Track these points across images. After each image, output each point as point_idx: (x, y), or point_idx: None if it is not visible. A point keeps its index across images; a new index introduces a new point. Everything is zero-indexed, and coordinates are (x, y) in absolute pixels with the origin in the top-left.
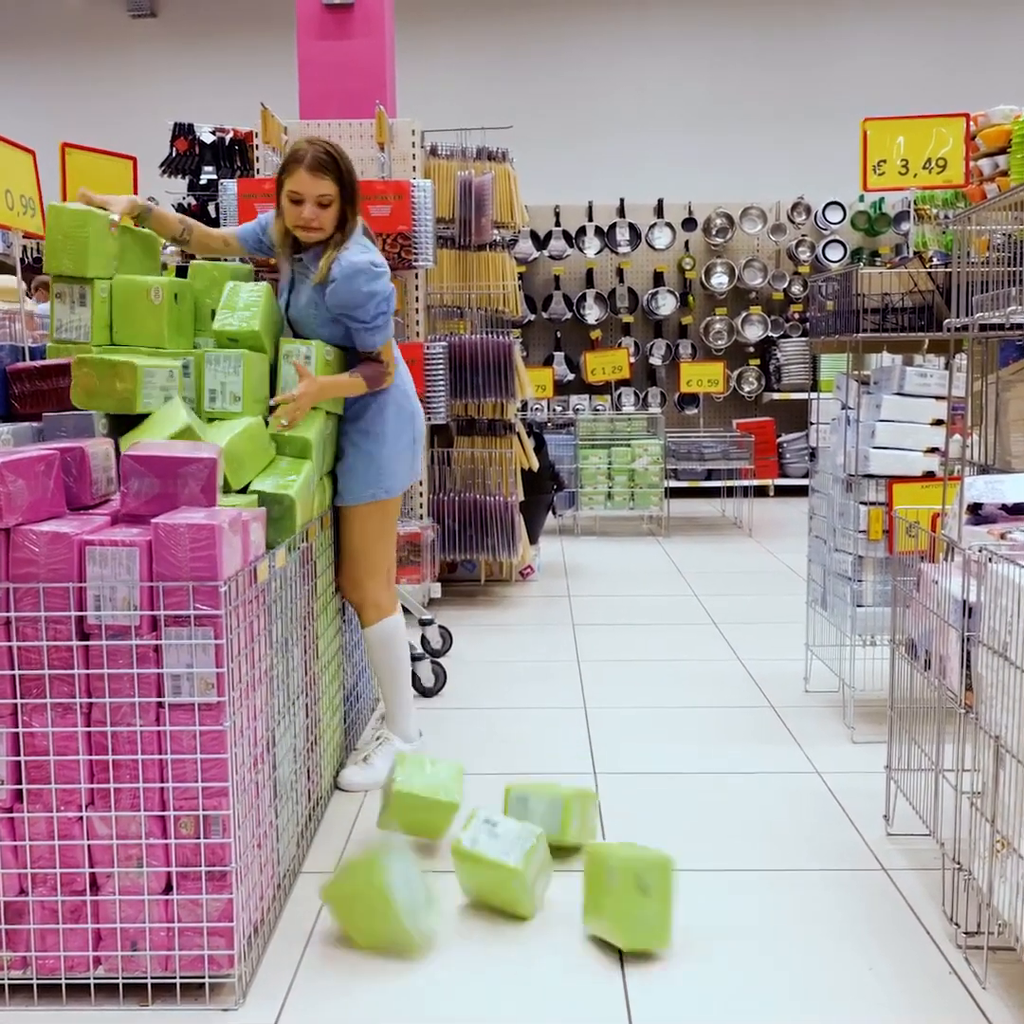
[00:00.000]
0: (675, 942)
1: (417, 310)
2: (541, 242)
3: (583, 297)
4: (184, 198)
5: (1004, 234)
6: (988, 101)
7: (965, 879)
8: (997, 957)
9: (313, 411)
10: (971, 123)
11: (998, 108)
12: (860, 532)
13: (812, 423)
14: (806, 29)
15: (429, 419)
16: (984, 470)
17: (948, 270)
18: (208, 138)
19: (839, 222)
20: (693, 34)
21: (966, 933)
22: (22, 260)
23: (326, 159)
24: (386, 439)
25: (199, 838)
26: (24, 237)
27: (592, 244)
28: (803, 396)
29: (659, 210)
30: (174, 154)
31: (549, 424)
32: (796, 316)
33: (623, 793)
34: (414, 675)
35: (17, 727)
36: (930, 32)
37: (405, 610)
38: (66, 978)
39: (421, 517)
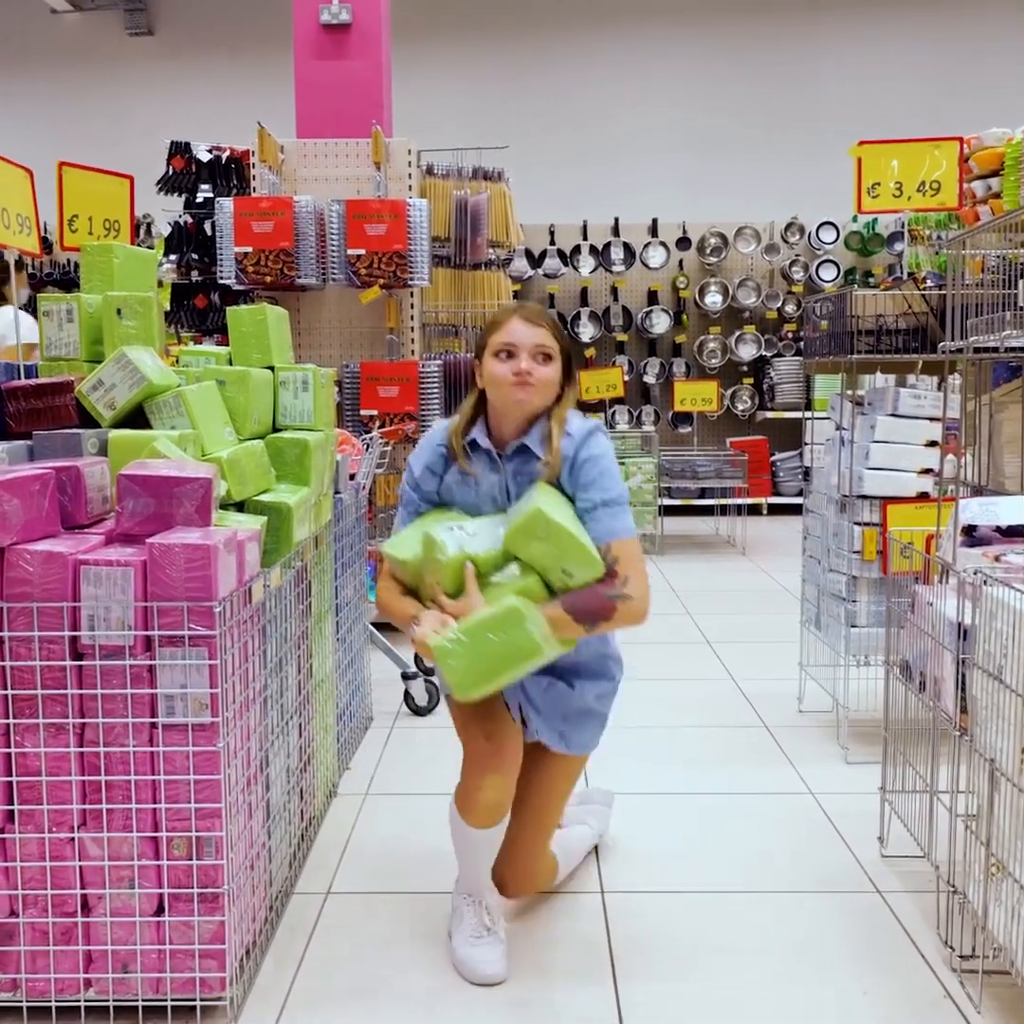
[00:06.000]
0: (668, 961)
1: (412, 328)
2: (536, 261)
3: (577, 315)
4: (180, 216)
5: (998, 256)
6: (980, 122)
7: (960, 902)
8: (992, 981)
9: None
10: (964, 146)
11: (991, 131)
12: (854, 553)
13: (806, 443)
14: (800, 51)
15: None
16: (978, 491)
17: (942, 292)
18: (204, 156)
19: (832, 242)
20: (688, 55)
21: (961, 957)
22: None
23: (543, 312)
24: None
25: (191, 859)
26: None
27: (586, 263)
28: (796, 415)
29: (653, 229)
30: (170, 172)
31: None
32: (790, 335)
33: (615, 813)
34: (408, 694)
35: (9, 747)
36: (923, 54)
37: (395, 628)
38: (56, 1001)
39: None
